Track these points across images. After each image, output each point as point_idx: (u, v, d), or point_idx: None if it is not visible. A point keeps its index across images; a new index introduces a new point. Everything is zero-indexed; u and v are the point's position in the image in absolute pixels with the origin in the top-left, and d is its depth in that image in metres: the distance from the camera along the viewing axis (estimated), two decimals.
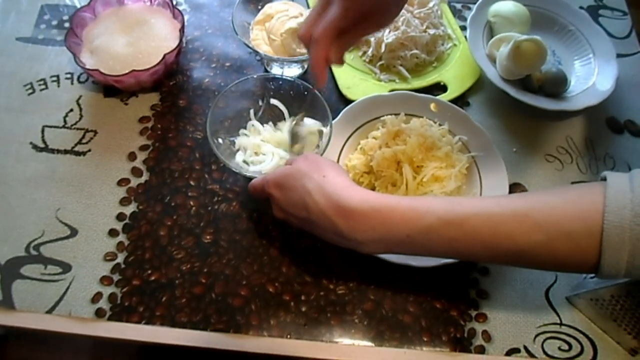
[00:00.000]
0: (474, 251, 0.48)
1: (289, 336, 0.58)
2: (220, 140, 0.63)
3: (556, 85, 0.74)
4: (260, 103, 0.67)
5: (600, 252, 0.44)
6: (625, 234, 0.42)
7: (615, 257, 0.43)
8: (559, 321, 0.61)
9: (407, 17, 0.76)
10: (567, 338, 0.60)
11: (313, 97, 0.64)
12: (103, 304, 0.59)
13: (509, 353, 0.59)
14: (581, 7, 0.86)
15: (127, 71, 0.66)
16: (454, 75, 0.76)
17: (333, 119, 0.67)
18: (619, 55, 0.78)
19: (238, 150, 0.65)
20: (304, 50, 0.69)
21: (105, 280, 0.60)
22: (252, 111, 0.67)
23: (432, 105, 0.70)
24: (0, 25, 0.78)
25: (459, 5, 0.86)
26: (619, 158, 0.73)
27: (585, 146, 0.74)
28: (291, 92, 0.66)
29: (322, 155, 0.61)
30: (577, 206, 0.45)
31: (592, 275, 0.57)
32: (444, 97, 0.73)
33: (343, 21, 0.50)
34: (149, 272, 0.61)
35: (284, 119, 0.67)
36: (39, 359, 1.04)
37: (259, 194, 0.57)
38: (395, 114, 0.68)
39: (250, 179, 0.59)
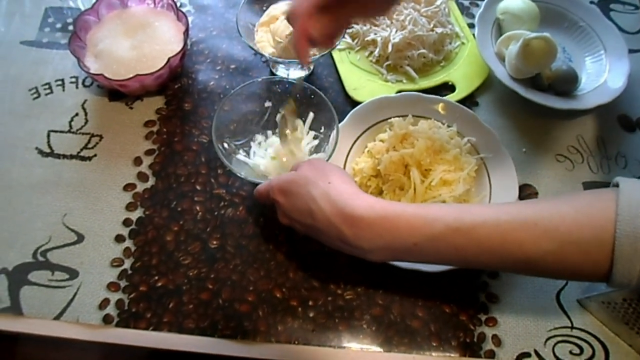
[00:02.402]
0: (482, 259, 0.48)
1: (296, 342, 0.58)
2: (225, 145, 0.63)
3: (567, 84, 0.72)
4: (267, 104, 0.66)
5: (612, 262, 0.43)
6: (638, 244, 0.41)
7: (628, 266, 0.42)
8: (570, 324, 0.60)
9: (414, 16, 0.75)
10: (579, 341, 0.59)
11: (319, 99, 0.63)
12: (110, 310, 0.59)
13: (520, 357, 0.58)
14: (592, 2, 0.85)
15: (131, 75, 0.66)
16: (462, 74, 0.75)
17: (340, 121, 0.66)
18: (631, 51, 0.77)
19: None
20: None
21: (112, 286, 0.60)
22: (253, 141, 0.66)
23: (440, 107, 0.69)
24: (4, 29, 0.78)
25: (466, 3, 0.85)
26: (631, 157, 0.72)
27: (597, 145, 0.73)
28: (297, 95, 0.66)
29: (328, 158, 0.60)
30: (588, 214, 0.44)
31: None
32: (452, 97, 0.72)
33: None
34: (156, 278, 0.60)
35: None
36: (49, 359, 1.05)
37: (265, 200, 0.56)
38: (403, 116, 0.67)
39: (255, 184, 0.59)
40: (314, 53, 0.66)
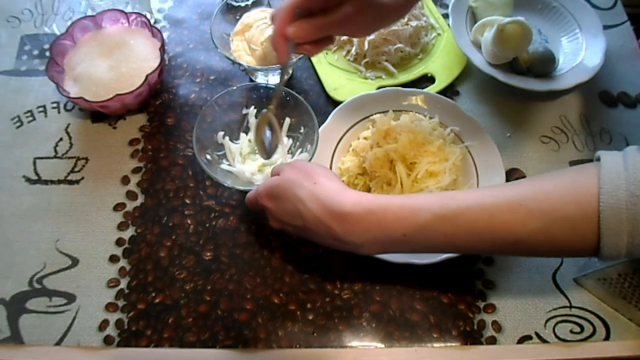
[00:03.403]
0: (471, 244, 0.48)
1: (298, 346, 0.58)
2: (208, 157, 0.63)
3: (544, 65, 0.73)
4: (245, 111, 0.67)
5: (599, 235, 0.43)
6: (622, 215, 0.42)
7: (615, 238, 0.43)
8: (568, 304, 0.60)
9: None
10: (579, 320, 0.60)
11: (297, 102, 0.63)
12: (110, 330, 0.59)
13: (521, 341, 0.58)
14: None
15: (111, 96, 0.66)
16: (441, 65, 0.76)
17: (322, 122, 0.66)
18: (605, 27, 0.77)
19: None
20: None
21: (110, 307, 0.60)
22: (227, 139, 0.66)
23: (420, 99, 0.69)
24: None
25: None
26: (615, 132, 0.73)
27: (580, 123, 0.73)
28: (276, 103, 0.66)
29: (310, 160, 0.60)
30: (572, 190, 0.44)
31: None
32: (433, 89, 0.73)
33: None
34: (153, 294, 0.61)
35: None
36: None
37: (254, 207, 0.56)
38: (385, 112, 0.68)
39: (244, 192, 0.59)
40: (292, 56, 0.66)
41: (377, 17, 0.55)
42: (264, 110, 0.59)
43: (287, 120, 0.65)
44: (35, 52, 0.79)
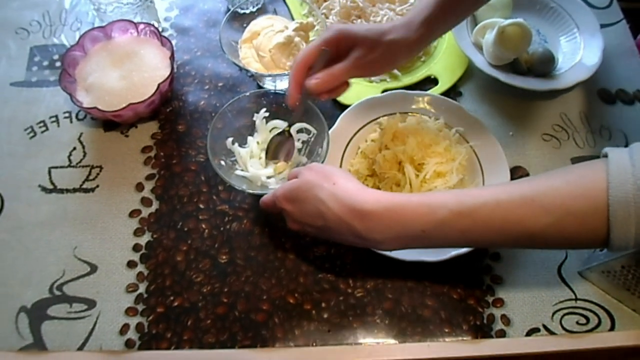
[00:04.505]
0: (487, 239, 0.50)
1: (314, 344, 0.60)
2: (222, 162, 0.64)
3: (544, 65, 0.75)
4: (255, 117, 0.68)
5: (609, 228, 0.45)
6: (630, 208, 0.44)
7: (624, 230, 0.45)
8: (574, 296, 0.62)
9: (390, 16, 0.77)
10: (584, 312, 0.61)
11: (306, 106, 0.65)
12: (131, 334, 0.60)
13: (530, 333, 0.60)
14: None
15: (124, 105, 0.67)
16: (443, 67, 0.77)
17: (331, 126, 0.68)
18: (602, 26, 0.79)
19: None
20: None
21: (130, 311, 0.62)
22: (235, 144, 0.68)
23: (425, 101, 0.71)
24: None
25: None
26: (614, 128, 0.75)
27: (580, 121, 0.75)
28: (284, 105, 0.67)
29: (322, 162, 0.62)
30: (581, 185, 0.46)
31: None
32: (436, 90, 0.75)
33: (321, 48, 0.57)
34: (172, 298, 0.62)
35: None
36: None
37: (272, 210, 0.58)
38: (391, 114, 0.69)
39: (257, 195, 0.60)
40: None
41: (389, 54, 0.58)
42: (280, 130, 0.62)
43: (298, 125, 0.67)
44: (45, 63, 0.80)
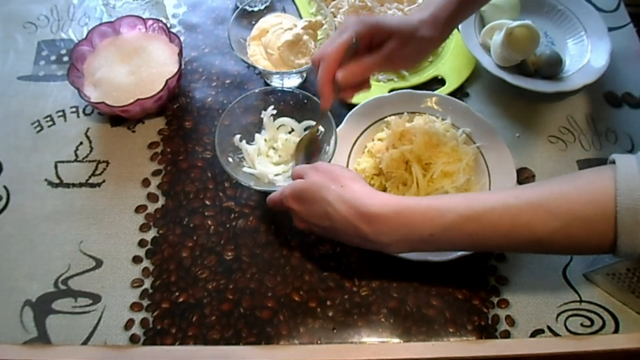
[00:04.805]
0: (494, 243, 0.50)
1: (319, 342, 0.60)
2: (230, 159, 0.65)
3: (552, 67, 0.75)
4: (263, 114, 0.68)
5: (616, 234, 0.45)
6: (638, 215, 0.44)
7: (631, 237, 0.45)
8: (578, 298, 0.62)
9: (398, 16, 0.77)
10: (588, 314, 0.61)
11: (315, 105, 0.65)
12: (136, 329, 0.60)
13: (534, 334, 0.60)
14: None
15: (132, 100, 0.67)
16: (451, 67, 0.78)
17: (338, 124, 0.68)
18: (610, 29, 0.80)
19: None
20: (302, 61, 0.70)
21: (135, 306, 0.62)
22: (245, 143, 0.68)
23: (433, 101, 0.71)
24: (0, 66, 0.80)
25: None
26: (620, 131, 0.75)
27: (587, 123, 0.75)
28: (291, 102, 0.68)
29: (329, 162, 0.62)
30: (589, 192, 0.47)
31: None
32: (443, 91, 0.75)
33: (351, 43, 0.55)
34: (177, 294, 0.62)
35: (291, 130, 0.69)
36: None
37: (278, 208, 0.58)
38: (399, 114, 0.70)
39: (264, 192, 0.60)
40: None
41: (419, 50, 0.58)
42: (306, 132, 0.62)
43: (305, 123, 0.67)
44: (53, 58, 0.80)
